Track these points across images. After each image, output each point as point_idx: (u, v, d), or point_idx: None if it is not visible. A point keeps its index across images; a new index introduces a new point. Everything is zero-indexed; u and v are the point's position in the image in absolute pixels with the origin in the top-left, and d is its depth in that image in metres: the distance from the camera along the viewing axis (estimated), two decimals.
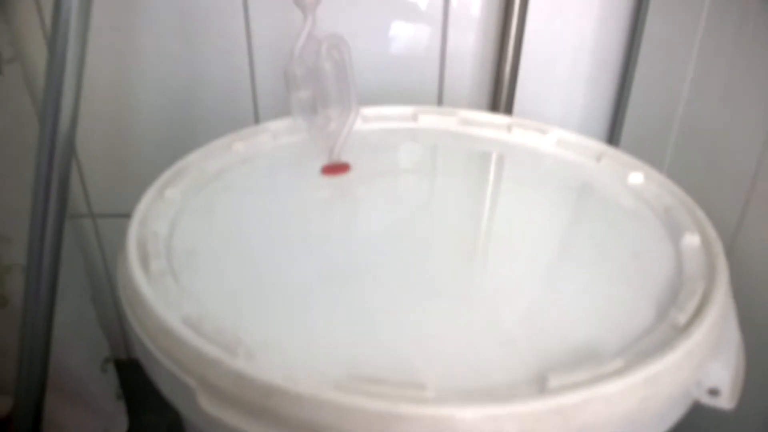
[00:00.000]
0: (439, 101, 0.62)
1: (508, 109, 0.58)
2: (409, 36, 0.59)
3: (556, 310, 0.30)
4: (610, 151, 0.44)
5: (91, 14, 0.38)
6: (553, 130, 0.47)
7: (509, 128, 0.49)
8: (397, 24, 0.58)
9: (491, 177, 0.45)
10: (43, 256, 0.47)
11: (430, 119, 0.51)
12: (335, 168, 0.43)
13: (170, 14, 0.57)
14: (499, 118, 0.50)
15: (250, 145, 0.45)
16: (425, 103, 0.62)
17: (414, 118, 0.51)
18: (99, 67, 0.58)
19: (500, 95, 0.57)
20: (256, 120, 0.62)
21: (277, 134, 0.47)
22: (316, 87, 0.40)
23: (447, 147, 0.48)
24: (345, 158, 0.43)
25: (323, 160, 0.43)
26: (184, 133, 0.62)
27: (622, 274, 0.33)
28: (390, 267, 0.33)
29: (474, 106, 0.62)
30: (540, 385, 0.24)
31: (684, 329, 0.27)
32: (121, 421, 0.70)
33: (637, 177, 0.42)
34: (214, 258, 0.33)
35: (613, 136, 0.62)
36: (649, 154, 0.45)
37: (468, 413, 0.22)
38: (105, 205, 0.66)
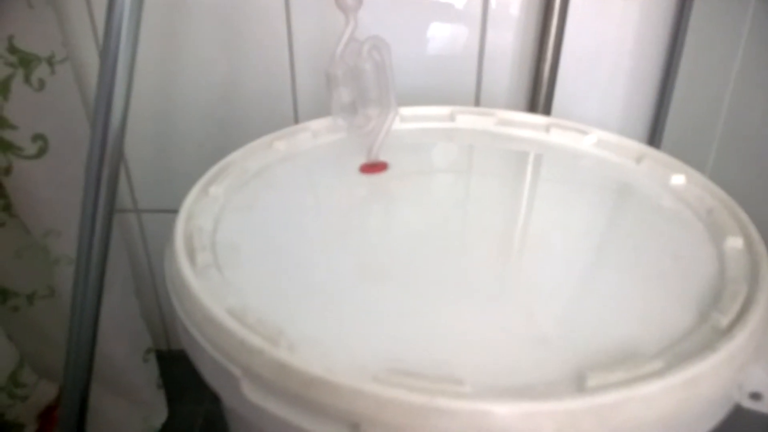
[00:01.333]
0: (477, 102, 0.62)
1: (547, 110, 0.58)
2: (447, 36, 0.59)
3: (594, 309, 0.30)
4: (651, 152, 0.44)
5: (142, 17, 0.40)
6: (592, 130, 0.47)
7: (548, 129, 0.49)
8: (436, 24, 0.58)
9: (529, 177, 0.45)
10: (92, 250, 0.49)
11: (468, 119, 0.51)
12: (373, 167, 0.43)
13: (213, 18, 0.58)
14: (538, 119, 0.50)
15: (290, 143, 0.46)
16: (463, 103, 0.62)
17: (451, 118, 0.51)
18: (145, 69, 0.60)
19: (539, 95, 0.56)
20: (296, 119, 0.63)
21: (317, 133, 0.48)
22: (356, 87, 0.41)
23: (484, 147, 0.48)
24: (383, 157, 0.44)
25: (362, 159, 0.44)
26: (226, 132, 0.64)
27: (662, 276, 0.32)
28: (427, 264, 0.34)
29: (512, 106, 0.62)
30: (578, 384, 0.24)
31: (726, 332, 0.27)
32: (161, 411, 0.72)
33: (678, 179, 0.41)
34: (255, 253, 0.34)
35: (654, 137, 0.61)
36: (691, 156, 0.45)
37: (505, 409, 0.22)
38: (149, 200, 0.68)
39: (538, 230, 0.37)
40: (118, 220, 0.68)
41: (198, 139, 0.64)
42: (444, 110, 0.52)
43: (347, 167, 0.44)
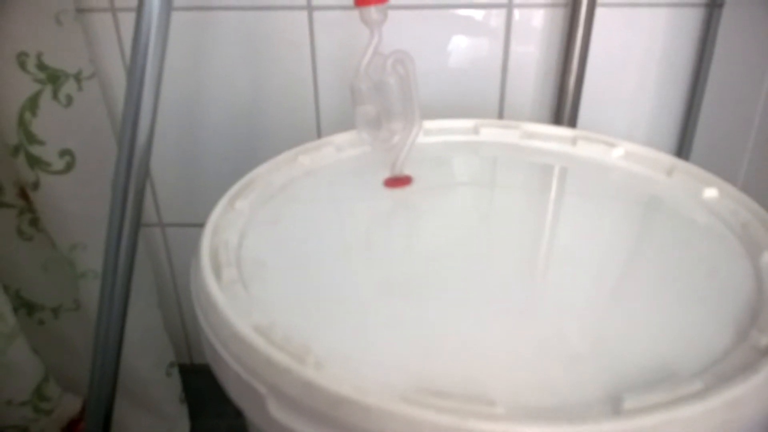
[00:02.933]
0: (500, 114, 0.61)
1: (572, 123, 0.57)
2: (470, 49, 0.59)
3: (627, 328, 0.29)
4: (682, 164, 0.43)
5: (170, 29, 0.40)
6: (620, 143, 0.46)
7: (574, 141, 0.48)
8: (458, 37, 0.58)
9: (555, 191, 0.44)
10: (118, 263, 0.49)
11: (492, 132, 0.51)
12: (397, 181, 0.43)
13: (237, 33, 0.59)
14: (564, 131, 0.49)
15: (314, 158, 0.46)
16: (486, 116, 0.61)
17: (475, 131, 0.51)
18: (170, 85, 0.61)
19: (564, 108, 0.56)
20: (319, 133, 0.63)
21: (341, 147, 0.48)
22: (381, 101, 0.41)
23: (509, 160, 0.48)
24: (407, 171, 0.43)
25: (386, 173, 0.44)
26: (250, 146, 0.64)
27: (697, 293, 0.31)
28: (454, 279, 0.33)
29: (536, 119, 0.61)
30: (614, 406, 0.23)
31: (766, 352, 0.26)
32: (183, 425, 0.72)
33: (711, 192, 0.40)
34: (281, 268, 0.34)
35: (682, 150, 0.60)
36: (722, 168, 0.44)
37: None
38: (173, 215, 0.68)
39: (567, 245, 0.37)
40: (143, 233, 0.69)
41: (222, 154, 0.65)
42: (468, 123, 0.51)
43: (371, 181, 0.44)
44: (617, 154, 0.46)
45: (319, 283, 0.33)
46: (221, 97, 0.62)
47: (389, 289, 0.32)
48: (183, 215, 0.68)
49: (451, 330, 0.29)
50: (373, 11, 0.38)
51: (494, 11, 0.57)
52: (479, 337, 0.29)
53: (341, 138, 0.49)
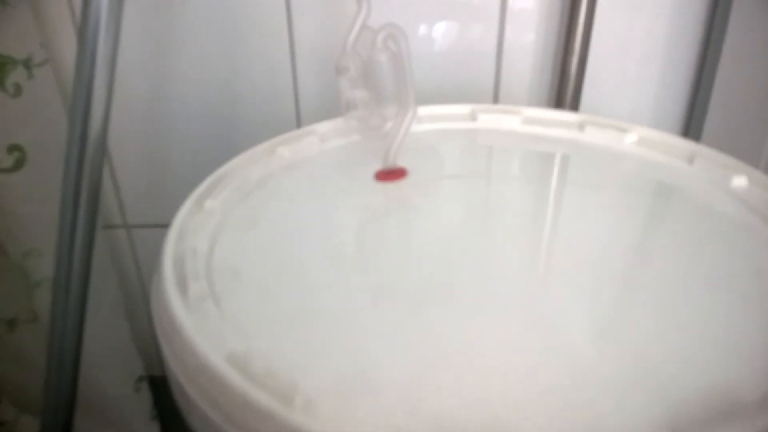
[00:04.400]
0: (495, 99, 0.57)
1: (575, 107, 0.52)
2: (462, 29, 0.54)
3: (671, 343, 0.25)
4: (705, 150, 0.39)
5: (124, 8, 0.35)
6: (633, 127, 0.42)
7: (581, 127, 0.44)
8: (450, 16, 0.53)
9: (563, 182, 0.40)
10: (72, 269, 0.44)
11: (491, 118, 0.46)
12: (390, 174, 0.38)
13: (207, 10, 0.53)
14: (569, 116, 0.45)
15: (295, 149, 0.41)
16: (480, 101, 0.57)
17: (472, 117, 0.46)
18: (132, 68, 0.55)
19: (565, 91, 0.51)
20: (299, 122, 0.58)
21: (325, 137, 0.43)
22: (370, 83, 0.36)
23: (511, 149, 0.43)
24: (400, 162, 0.39)
25: (376, 165, 0.39)
26: (223, 138, 0.59)
27: (747, 298, 0.27)
28: (458, 288, 0.28)
29: (533, 103, 0.57)
30: None
31: None
32: None
33: (740, 180, 0.36)
34: (259, 279, 0.29)
35: (687, 135, 0.56)
36: (738, 154, 0.40)
37: None
38: (140, 215, 0.63)
39: (584, 245, 0.32)
40: (106, 236, 0.63)
41: (192, 147, 0.59)
42: (464, 109, 0.47)
43: (360, 174, 0.39)
44: (630, 140, 0.42)
45: (304, 296, 0.28)
46: (190, 84, 0.56)
47: (385, 300, 0.27)
48: (150, 215, 0.63)
49: (460, 350, 0.24)
50: None
51: None
52: (494, 359, 0.24)
53: (325, 127, 0.44)
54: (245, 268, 0.29)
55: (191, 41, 0.54)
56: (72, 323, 0.46)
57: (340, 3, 0.53)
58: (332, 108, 0.57)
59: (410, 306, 0.27)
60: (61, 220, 0.41)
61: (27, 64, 0.48)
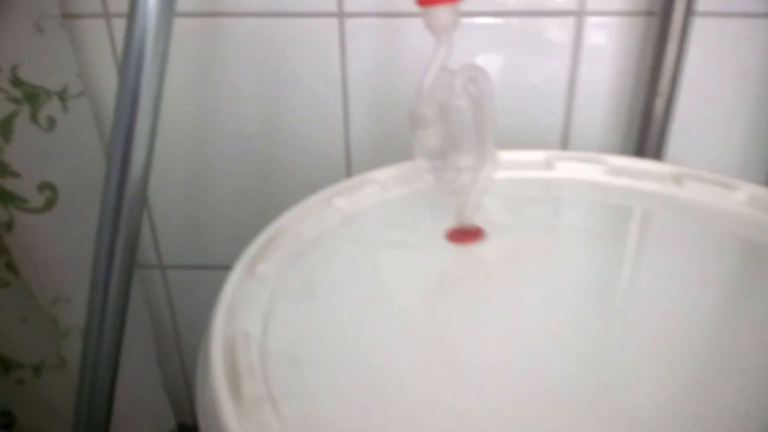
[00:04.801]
0: (564, 144, 0.52)
1: (658, 154, 0.47)
2: (530, 64, 0.49)
3: None
4: None
5: (171, 38, 0.31)
6: (740, 184, 0.37)
7: (678, 180, 0.38)
8: (516, 50, 0.49)
9: (662, 247, 0.34)
10: (104, 320, 0.40)
11: (570, 167, 0.41)
12: (465, 234, 0.33)
13: (253, 45, 0.49)
14: (663, 167, 0.39)
15: (353, 200, 0.36)
16: (546, 144, 0.52)
17: (548, 165, 0.41)
18: (170, 102, 0.51)
19: (648, 137, 0.46)
20: (348, 167, 0.53)
21: (386, 186, 0.38)
22: (446, 130, 0.31)
23: (596, 205, 0.38)
24: (476, 221, 0.34)
25: (447, 220, 0.34)
26: (265, 177, 0.55)
27: None
28: (542, 374, 0.23)
29: (606, 149, 0.52)
30: None
31: None
32: None
33: None
34: (323, 370, 0.24)
35: None
36: None
37: None
38: (176, 255, 0.59)
39: (693, 325, 0.27)
40: (140, 277, 0.59)
41: (233, 186, 0.55)
42: (538, 155, 0.42)
43: (429, 232, 0.34)
44: (738, 198, 0.36)
45: (378, 393, 0.23)
46: (232, 120, 0.52)
47: (482, 406, 0.22)
48: (188, 256, 0.59)
49: None
50: (442, 13, 0.29)
51: (560, 20, 0.47)
52: None
53: (385, 174, 0.39)
54: (305, 355, 0.24)
55: (235, 75, 0.50)
56: (103, 376, 0.42)
57: (399, 35, 0.49)
58: (385, 153, 0.53)
59: (513, 414, 0.22)
60: (94, 264, 0.37)
61: (62, 95, 0.45)
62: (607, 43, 0.48)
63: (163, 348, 0.63)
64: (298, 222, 0.34)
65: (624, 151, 0.51)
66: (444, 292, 0.30)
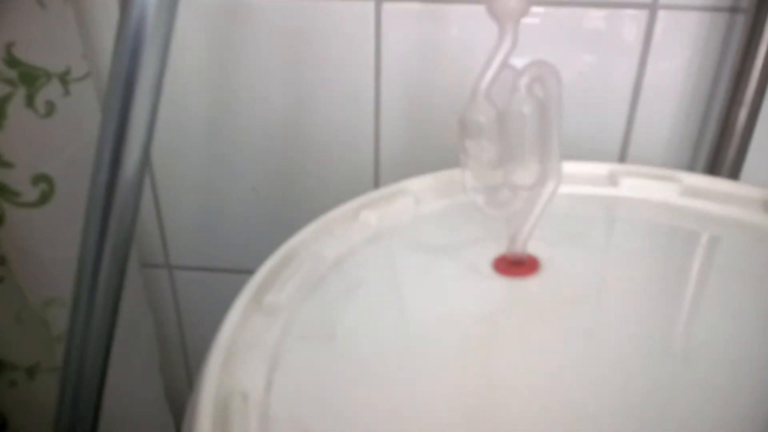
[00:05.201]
0: (623, 155, 0.46)
1: (735, 172, 0.41)
2: (589, 63, 0.43)
3: None
4: None
5: (176, 16, 0.26)
6: None
7: None
8: (575, 46, 0.43)
9: (743, 286, 0.28)
10: (90, 325, 0.35)
11: (637, 185, 0.35)
12: (517, 265, 0.28)
13: (277, 31, 0.44)
14: (753, 191, 0.33)
15: (384, 214, 0.31)
16: (603, 153, 0.46)
17: (612, 181, 0.36)
18: (186, 94, 0.46)
19: (726, 152, 0.40)
20: (377, 174, 0.48)
21: (421, 197, 0.33)
22: (504, 141, 0.26)
23: (667, 231, 0.32)
24: (529, 248, 0.28)
25: (495, 244, 0.28)
26: (284, 175, 0.49)
27: None
28: None
29: (670, 163, 0.45)
30: None
31: None
32: None
33: None
34: None
35: None
36: None
37: None
38: (185, 255, 0.54)
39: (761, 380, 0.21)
40: (145, 276, 0.54)
41: (251, 183, 0.50)
42: (600, 169, 0.36)
43: (474, 259, 0.28)
44: None
45: None
46: (252, 114, 0.47)
47: None
48: (197, 257, 0.54)
49: None
50: None
51: (629, 12, 0.41)
52: None
53: (421, 184, 0.34)
54: (318, 424, 0.19)
55: (256, 64, 0.45)
56: (88, 387, 0.37)
57: (440, 26, 0.43)
58: (418, 161, 0.47)
59: None
60: (78, 268, 0.32)
61: (64, 78, 0.40)
62: (682, 42, 0.41)
63: (168, 354, 0.58)
64: (317, 240, 0.28)
65: (692, 166, 0.45)
66: (488, 337, 0.25)
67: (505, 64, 0.25)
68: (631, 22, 0.41)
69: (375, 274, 0.27)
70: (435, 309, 0.26)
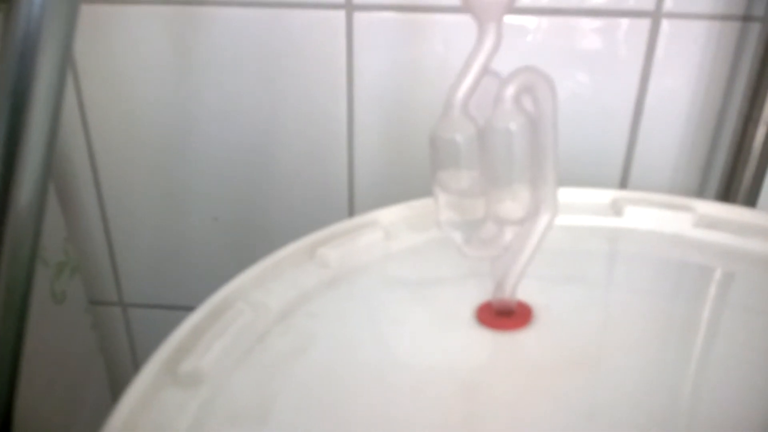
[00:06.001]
0: (624, 180, 0.41)
1: (752, 198, 0.36)
2: (585, 80, 0.39)
3: None
4: None
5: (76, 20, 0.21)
6: None
7: None
8: (570, 60, 0.38)
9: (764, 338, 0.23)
10: None
11: (643, 214, 0.30)
12: (505, 315, 0.22)
13: (241, 42, 0.39)
14: None
15: (346, 252, 0.26)
16: (602, 178, 0.41)
17: (615, 210, 0.31)
18: (137, 114, 0.42)
19: (741, 176, 0.35)
20: (351, 203, 0.43)
21: (392, 232, 0.28)
22: (486, 165, 0.21)
23: (685, 269, 0.27)
24: (519, 293, 0.23)
25: (479, 288, 0.23)
26: (248, 202, 0.44)
27: None
28: None
29: (677, 189, 0.41)
30: None
31: None
32: None
33: None
34: None
35: None
36: None
37: None
38: (140, 292, 0.49)
39: None
40: (96, 315, 0.49)
41: (211, 211, 0.45)
42: (601, 197, 0.31)
43: (452, 307, 0.23)
44: None
45: None
46: (214, 133, 0.42)
47: None
48: (154, 293, 0.48)
49: None
50: None
51: (629, 21, 0.37)
52: None
53: (392, 215, 0.29)
54: None
55: (218, 79, 0.40)
56: None
57: (418, 37, 0.38)
58: (396, 180, 0.42)
59: None
60: None
61: None
62: (689, 54, 0.37)
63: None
64: (260, 285, 0.23)
65: (701, 192, 0.40)
66: (470, 409, 0.19)
67: (485, 70, 0.20)
68: (631, 33, 0.37)
69: (329, 330, 0.22)
70: (404, 374, 0.20)
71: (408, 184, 0.41)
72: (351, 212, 0.43)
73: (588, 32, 0.37)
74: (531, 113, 0.20)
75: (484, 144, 0.20)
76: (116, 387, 0.52)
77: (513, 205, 0.21)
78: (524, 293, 0.23)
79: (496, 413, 0.19)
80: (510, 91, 0.20)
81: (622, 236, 0.30)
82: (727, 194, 0.37)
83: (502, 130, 0.20)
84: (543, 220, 0.21)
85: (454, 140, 0.19)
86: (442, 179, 0.20)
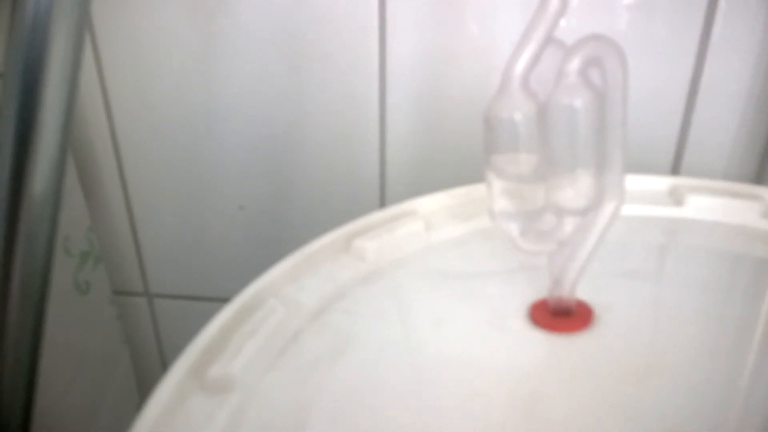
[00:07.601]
0: (676, 166, 0.38)
1: None
2: (639, 59, 0.36)
3: None
4: None
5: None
6: None
7: None
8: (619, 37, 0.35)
9: None
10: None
11: (707, 204, 0.28)
12: (563, 317, 0.20)
13: (267, 22, 0.37)
14: None
15: (384, 243, 0.24)
16: (653, 163, 0.38)
17: (675, 199, 0.28)
18: (161, 101, 0.40)
19: None
20: (382, 192, 0.41)
21: (432, 222, 0.26)
22: (547, 148, 0.18)
23: (749, 263, 0.25)
24: (579, 293, 0.21)
25: (532, 287, 0.21)
26: (276, 196, 0.43)
27: None
28: None
29: (733, 176, 0.38)
30: None
31: None
32: None
33: None
34: None
35: None
36: None
37: None
38: (165, 282, 0.47)
39: None
40: (121, 306, 0.48)
41: (237, 200, 0.43)
42: (659, 183, 0.29)
43: (502, 306, 0.21)
44: None
45: None
46: (239, 120, 0.40)
47: None
48: (180, 283, 0.47)
49: None
50: None
51: None
52: None
53: (431, 204, 0.27)
54: None
55: (242, 61, 0.39)
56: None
57: (455, 14, 0.36)
58: (432, 169, 0.40)
59: None
60: None
61: None
62: (747, 31, 0.34)
63: (148, 391, 0.52)
64: (293, 281, 0.21)
65: (758, 179, 0.38)
66: (523, 420, 0.17)
67: (549, 40, 0.17)
68: (687, 9, 0.34)
69: (368, 329, 0.20)
70: (450, 380, 0.18)
71: (443, 171, 0.39)
72: (382, 201, 0.41)
73: (639, 8, 0.35)
74: (599, 88, 0.18)
75: (545, 123, 0.18)
76: (142, 379, 0.51)
77: (574, 193, 0.19)
78: (582, 291, 0.21)
79: (553, 426, 0.17)
80: (575, 63, 0.17)
81: (684, 227, 0.27)
82: None
83: (566, 108, 0.18)
84: (607, 209, 0.19)
85: (512, 119, 0.17)
86: (498, 164, 0.18)
